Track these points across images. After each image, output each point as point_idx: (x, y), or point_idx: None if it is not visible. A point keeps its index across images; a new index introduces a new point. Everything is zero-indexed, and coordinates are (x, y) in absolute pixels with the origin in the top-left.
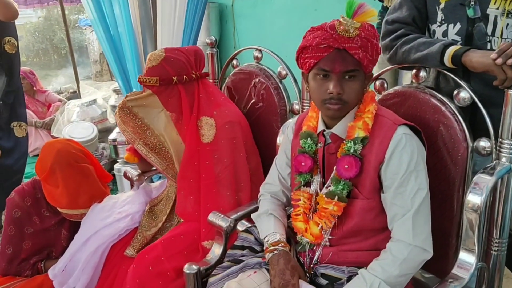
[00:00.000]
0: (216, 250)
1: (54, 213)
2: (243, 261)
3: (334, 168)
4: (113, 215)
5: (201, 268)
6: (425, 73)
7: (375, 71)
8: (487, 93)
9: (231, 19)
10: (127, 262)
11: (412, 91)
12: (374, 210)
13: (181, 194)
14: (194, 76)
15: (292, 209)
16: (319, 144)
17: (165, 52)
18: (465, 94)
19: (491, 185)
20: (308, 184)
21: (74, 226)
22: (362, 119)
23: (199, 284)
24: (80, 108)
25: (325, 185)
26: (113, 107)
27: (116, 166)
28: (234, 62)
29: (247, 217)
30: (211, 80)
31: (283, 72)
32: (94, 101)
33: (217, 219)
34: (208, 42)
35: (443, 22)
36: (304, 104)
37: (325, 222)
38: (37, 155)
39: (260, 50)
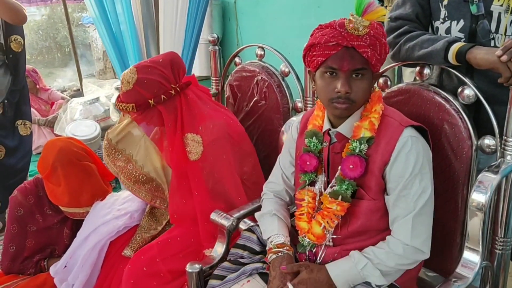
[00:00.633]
0: (218, 249)
1: (56, 211)
2: (242, 263)
3: (339, 167)
4: (112, 212)
5: (204, 267)
6: (429, 71)
7: None
8: (491, 91)
9: (234, 17)
10: (125, 262)
11: (416, 88)
12: (380, 211)
13: (175, 218)
14: (173, 92)
15: (295, 208)
16: (324, 143)
17: (137, 73)
18: (469, 92)
19: (496, 184)
20: (312, 183)
21: (76, 225)
22: (369, 119)
23: (202, 283)
24: (83, 106)
25: (330, 185)
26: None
27: None
28: (237, 60)
29: (249, 216)
30: (214, 79)
31: (286, 70)
32: (97, 99)
33: (219, 218)
34: (211, 39)
35: (446, 19)
36: (307, 102)
37: (327, 222)
38: (40, 153)
39: (262, 48)
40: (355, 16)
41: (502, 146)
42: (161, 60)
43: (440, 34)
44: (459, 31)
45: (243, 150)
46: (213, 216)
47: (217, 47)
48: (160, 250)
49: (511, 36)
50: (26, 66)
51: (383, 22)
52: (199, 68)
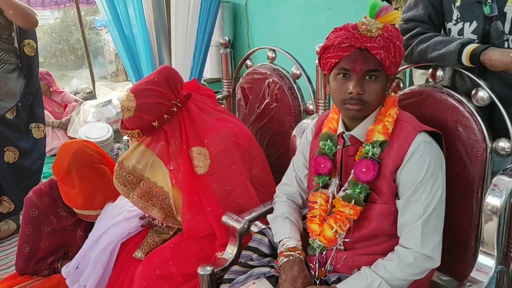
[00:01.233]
0: (230, 251)
1: (70, 213)
2: (251, 265)
3: (352, 171)
4: (123, 213)
5: (215, 270)
6: (442, 72)
7: None
8: (505, 92)
9: (245, 19)
10: (136, 263)
11: (429, 90)
12: (392, 215)
13: (190, 235)
14: (175, 108)
15: (308, 210)
16: (338, 146)
17: (135, 99)
18: (483, 94)
19: (511, 187)
20: (326, 186)
21: (90, 227)
22: (382, 123)
23: (213, 286)
24: (96, 108)
25: (342, 188)
26: None
27: None
28: (248, 62)
29: (261, 218)
30: (225, 81)
31: (297, 72)
32: (110, 101)
33: (231, 220)
34: (222, 42)
35: (459, 20)
36: (319, 104)
37: (340, 226)
38: (54, 155)
39: (274, 50)
40: (368, 18)
41: None
42: (156, 79)
43: (453, 36)
44: (472, 32)
45: (252, 154)
46: (225, 218)
47: (228, 50)
48: (173, 254)
49: None
50: (40, 69)
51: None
52: (210, 70)
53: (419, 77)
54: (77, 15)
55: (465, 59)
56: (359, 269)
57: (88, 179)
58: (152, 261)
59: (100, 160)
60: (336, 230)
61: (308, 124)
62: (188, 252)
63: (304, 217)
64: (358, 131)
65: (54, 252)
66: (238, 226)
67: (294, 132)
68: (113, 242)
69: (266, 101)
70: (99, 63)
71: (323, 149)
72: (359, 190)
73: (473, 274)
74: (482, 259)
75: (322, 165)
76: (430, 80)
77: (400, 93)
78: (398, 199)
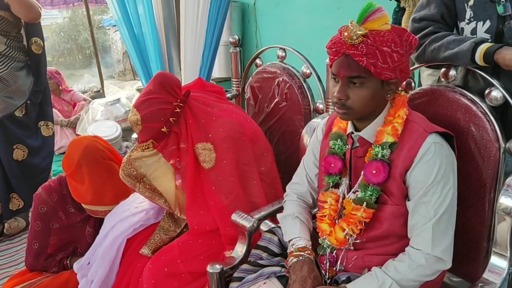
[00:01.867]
0: (239, 250)
1: (79, 210)
2: (260, 264)
3: (362, 173)
4: (130, 210)
5: (224, 268)
6: (454, 72)
7: None
8: None
9: (253, 18)
10: (143, 260)
11: (442, 90)
12: (403, 217)
13: (195, 230)
14: (178, 109)
15: (317, 209)
16: (347, 146)
17: (138, 112)
18: (497, 93)
19: None
20: (336, 185)
21: (99, 223)
22: (392, 124)
23: (223, 284)
24: (104, 107)
25: (352, 190)
26: None
27: None
28: (258, 61)
29: (270, 217)
30: (234, 80)
31: (307, 71)
32: (118, 100)
33: (240, 219)
34: (232, 41)
35: (471, 19)
36: (329, 103)
37: (352, 229)
38: (63, 154)
39: (284, 49)
40: (353, 24)
41: None
42: (152, 88)
43: (466, 35)
44: (485, 32)
45: (259, 146)
46: (234, 217)
47: (238, 49)
48: (181, 252)
49: None
50: (49, 68)
51: (393, 23)
52: (218, 69)
53: (427, 77)
54: (85, 14)
55: (478, 58)
56: (369, 269)
57: (98, 174)
58: (160, 259)
59: (110, 156)
60: (347, 232)
61: (318, 123)
62: (196, 250)
63: (314, 217)
64: (367, 132)
65: (63, 248)
66: (247, 224)
67: (303, 132)
68: (119, 237)
69: (276, 100)
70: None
71: (333, 148)
72: (370, 193)
73: (486, 275)
74: (494, 260)
75: (332, 165)
76: (443, 79)
77: (411, 92)
78: (409, 200)
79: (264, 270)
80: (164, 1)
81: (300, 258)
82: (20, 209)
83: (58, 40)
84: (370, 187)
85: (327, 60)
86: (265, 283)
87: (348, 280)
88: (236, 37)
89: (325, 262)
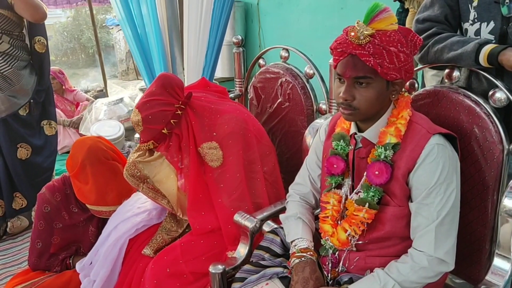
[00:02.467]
0: (241, 250)
1: (82, 209)
2: (263, 265)
3: (365, 174)
4: (133, 210)
5: (227, 268)
6: (458, 73)
7: None
8: None
9: (257, 18)
10: (145, 260)
11: (445, 91)
12: (405, 218)
13: (197, 230)
14: (179, 111)
15: (320, 210)
16: (350, 146)
17: (139, 113)
18: (501, 95)
19: None
20: (339, 186)
21: (102, 223)
22: (395, 125)
23: (225, 284)
24: (107, 106)
25: (355, 190)
26: None
27: None
28: (261, 61)
29: (273, 217)
30: (237, 80)
31: (310, 72)
32: (121, 99)
33: (243, 219)
34: (235, 41)
35: (475, 20)
36: (332, 104)
37: (354, 229)
38: (66, 153)
39: (287, 50)
40: (360, 24)
41: None
42: (154, 89)
43: (469, 36)
44: (489, 33)
45: (262, 145)
46: (237, 217)
47: (241, 49)
48: (183, 252)
49: None
50: (53, 67)
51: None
52: (221, 69)
53: (431, 78)
54: (88, 14)
55: (482, 59)
56: (371, 271)
57: (102, 174)
58: (162, 259)
59: (113, 156)
60: (349, 233)
61: (321, 124)
62: (199, 251)
63: (316, 217)
64: (370, 133)
65: (66, 248)
66: (250, 225)
67: (306, 132)
68: (121, 238)
69: (279, 100)
70: (110, 62)
71: (336, 149)
72: (373, 193)
73: (488, 277)
74: (497, 262)
75: (335, 165)
76: (446, 80)
77: (415, 93)
78: (411, 201)
79: (266, 271)
80: (167, 1)
81: (302, 259)
82: (23, 208)
83: (61, 40)
84: (372, 188)
85: (331, 61)
86: (267, 283)
87: (350, 281)
88: (239, 37)
89: (327, 263)
